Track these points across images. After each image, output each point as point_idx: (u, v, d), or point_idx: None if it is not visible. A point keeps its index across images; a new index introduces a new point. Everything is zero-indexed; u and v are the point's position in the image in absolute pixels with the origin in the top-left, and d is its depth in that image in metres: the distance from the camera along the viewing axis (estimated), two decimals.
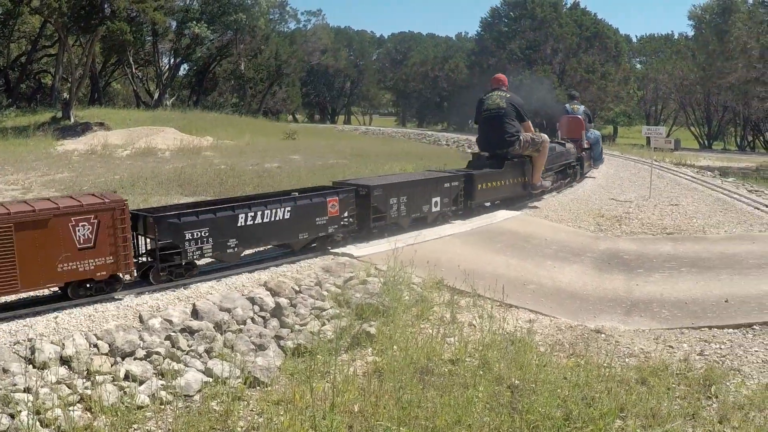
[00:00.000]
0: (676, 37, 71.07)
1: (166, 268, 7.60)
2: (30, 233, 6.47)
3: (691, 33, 53.76)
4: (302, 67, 64.95)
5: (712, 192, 16.90)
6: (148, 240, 7.69)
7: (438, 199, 11.38)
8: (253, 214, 8.35)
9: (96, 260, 6.92)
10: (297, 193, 9.33)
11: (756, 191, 17.41)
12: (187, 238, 7.67)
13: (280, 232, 8.75)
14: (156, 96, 50.87)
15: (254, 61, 56.51)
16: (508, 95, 13.68)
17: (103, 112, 37.11)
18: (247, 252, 8.80)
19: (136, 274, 7.62)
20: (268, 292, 7.57)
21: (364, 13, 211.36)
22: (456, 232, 11.02)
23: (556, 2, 53.69)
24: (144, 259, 7.76)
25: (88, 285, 7.00)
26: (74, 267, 6.80)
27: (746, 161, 33.60)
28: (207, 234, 7.86)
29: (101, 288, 7.10)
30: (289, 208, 8.77)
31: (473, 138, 41.01)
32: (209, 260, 8.37)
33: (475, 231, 11.28)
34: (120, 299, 7.12)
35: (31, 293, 6.96)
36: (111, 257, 7.01)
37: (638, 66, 70.02)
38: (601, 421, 5.24)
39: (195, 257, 7.82)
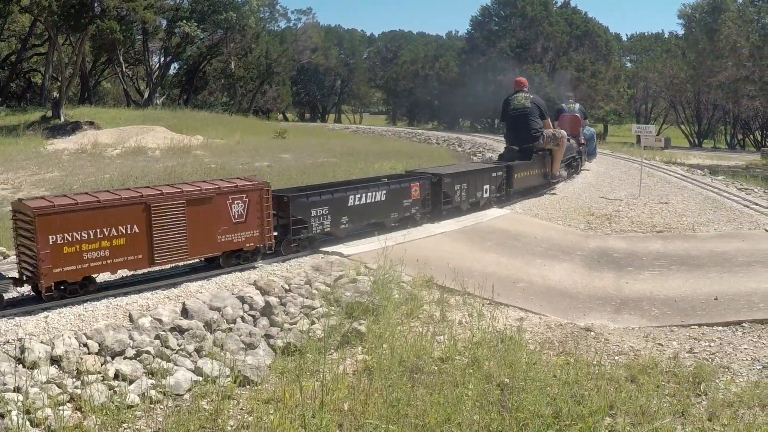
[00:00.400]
0: (666, 35, 71.28)
1: (296, 240, 8.89)
2: (197, 208, 7.56)
3: (681, 32, 53.67)
4: (292, 66, 64.77)
5: (701, 190, 16.94)
6: (279, 217, 8.77)
7: (488, 186, 13.02)
8: (359, 195, 9.79)
9: (246, 233, 8.08)
10: (386, 179, 10.82)
11: (746, 189, 17.46)
12: (313, 215, 9.09)
13: (378, 212, 10.23)
14: (146, 95, 50.69)
15: (244, 59, 56.34)
16: (531, 96, 15.27)
17: (93, 111, 36.95)
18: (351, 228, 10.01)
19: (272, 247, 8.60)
20: (258, 291, 7.56)
21: (355, 11, 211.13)
22: (446, 230, 11.04)
23: (546, 1, 53.67)
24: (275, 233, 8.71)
25: (237, 255, 8.13)
26: (230, 238, 7.93)
27: (736, 159, 33.70)
28: (327, 212, 9.27)
29: (247, 257, 8.25)
30: (384, 191, 10.26)
31: (463, 137, 41.61)
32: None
33: (465, 229, 11.30)
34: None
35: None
36: (257, 231, 8.18)
37: (628, 64, 70.18)
38: (590, 418, 5.26)
39: (317, 231, 9.23)
